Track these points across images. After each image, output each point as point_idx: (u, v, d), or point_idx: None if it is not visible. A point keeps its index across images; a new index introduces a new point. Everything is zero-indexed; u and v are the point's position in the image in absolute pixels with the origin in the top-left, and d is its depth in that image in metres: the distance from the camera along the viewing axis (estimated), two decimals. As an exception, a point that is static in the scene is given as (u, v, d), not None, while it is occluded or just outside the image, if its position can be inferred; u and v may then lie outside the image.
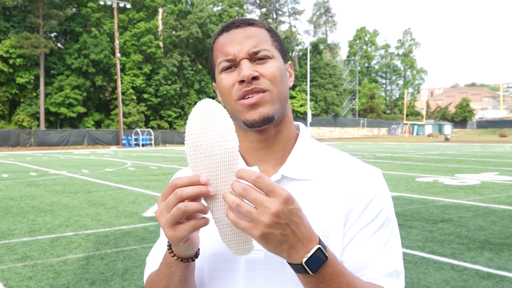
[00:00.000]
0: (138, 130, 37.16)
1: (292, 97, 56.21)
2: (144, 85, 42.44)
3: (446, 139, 45.47)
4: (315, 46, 63.27)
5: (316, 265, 0.70)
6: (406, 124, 66.60)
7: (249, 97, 0.85)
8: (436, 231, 5.60)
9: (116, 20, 38.27)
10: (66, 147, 34.57)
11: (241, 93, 0.85)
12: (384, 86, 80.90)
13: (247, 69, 0.84)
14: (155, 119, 43.81)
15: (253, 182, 0.67)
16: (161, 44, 45.21)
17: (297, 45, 65.03)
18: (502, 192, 8.78)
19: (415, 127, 69.10)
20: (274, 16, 66.20)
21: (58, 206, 7.75)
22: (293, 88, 56.99)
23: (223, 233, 0.73)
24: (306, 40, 69.67)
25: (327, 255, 0.71)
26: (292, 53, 62.66)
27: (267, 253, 0.83)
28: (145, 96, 42.51)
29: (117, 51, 37.14)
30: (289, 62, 0.96)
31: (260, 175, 0.67)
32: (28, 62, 38.63)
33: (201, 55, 48.02)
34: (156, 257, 0.93)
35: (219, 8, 50.00)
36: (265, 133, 0.89)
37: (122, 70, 41.18)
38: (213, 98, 0.99)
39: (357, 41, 79.07)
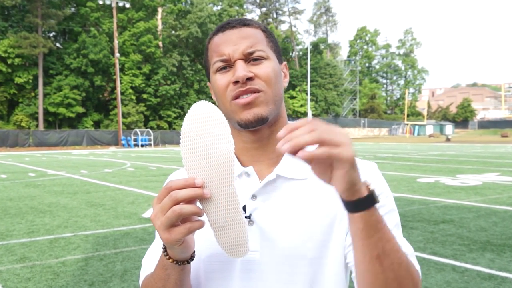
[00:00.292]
0: (137, 130, 37.12)
1: (292, 97, 56.22)
2: (143, 85, 42.40)
3: (447, 140, 45.45)
4: (315, 46, 63.21)
5: (376, 196, 0.70)
6: (407, 124, 66.59)
7: (243, 97, 0.85)
8: (437, 232, 5.57)
9: (115, 20, 38.24)
10: (65, 148, 34.54)
11: (235, 93, 0.86)
12: (385, 86, 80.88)
13: (241, 70, 0.85)
14: (155, 119, 43.77)
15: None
16: (160, 44, 45.18)
17: (298, 44, 65.02)
18: (503, 193, 8.75)
19: (416, 127, 69.10)
20: (274, 15, 66.23)
21: (57, 207, 7.73)
22: (293, 88, 57.06)
23: (219, 236, 0.73)
24: (306, 39, 69.88)
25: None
26: (292, 53, 62.68)
27: (263, 253, 0.85)
28: (144, 96, 42.48)
29: (116, 51, 37.10)
30: (284, 62, 0.97)
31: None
32: (27, 62, 38.60)
33: (201, 55, 47.98)
34: (151, 259, 0.92)
35: (219, 7, 49.96)
36: (259, 133, 0.90)
37: (121, 70, 41.14)
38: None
39: (358, 41, 79.02)
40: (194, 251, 0.80)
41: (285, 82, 0.95)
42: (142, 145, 36.67)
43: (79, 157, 23.13)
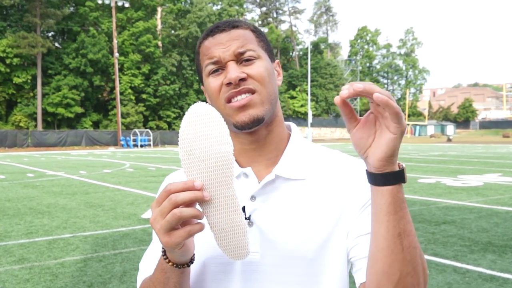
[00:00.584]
0: (137, 130, 37.09)
1: (292, 97, 56.20)
2: (142, 85, 42.37)
3: (449, 140, 45.48)
4: (316, 46, 63.17)
5: (406, 175, 0.73)
6: (408, 124, 66.52)
7: (237, 99, 0.85)
8: (439, 233, 5.55)
9: (114, 19, 38.20)
10: (63, 148, 34.49)
11: (229, 95, 0.85)
12: (385, 86, 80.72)
13: (234, 71, 0.84)
14: (154, 120, 43.75)
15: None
16: (160, 43, 45.14)
17: (298, 44, 65.02)
18: (505, 194, 8.73)
19: (417, 127, 69.10)
20: (274, 15, 66.24)
21: (56, 208, 7.69)
22: (293, 88, 57.04)
23: (219, 238, 0.73)
24: (306, 39, 69.91)
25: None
26: (292, 53, 62.68)
27: (263, 254, 0.85)
28: (144, 96, 42.45)
29: (115, 50, 37.05)
30: (277, 60, 0.96)
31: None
32: (25, 61, 38.57)
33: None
34: (149, 262, 0.92)
35: (219, 7, 49.94)
36: (256, 134, 0.90)
37: (121, 70, 41.11)
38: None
39: (359, 41, 78.88)
40: (193, 254, 0.79)
41: (279, 80, 0.95)
42: (141, 146, 36.63)
43: (78, 157, 23.10)
